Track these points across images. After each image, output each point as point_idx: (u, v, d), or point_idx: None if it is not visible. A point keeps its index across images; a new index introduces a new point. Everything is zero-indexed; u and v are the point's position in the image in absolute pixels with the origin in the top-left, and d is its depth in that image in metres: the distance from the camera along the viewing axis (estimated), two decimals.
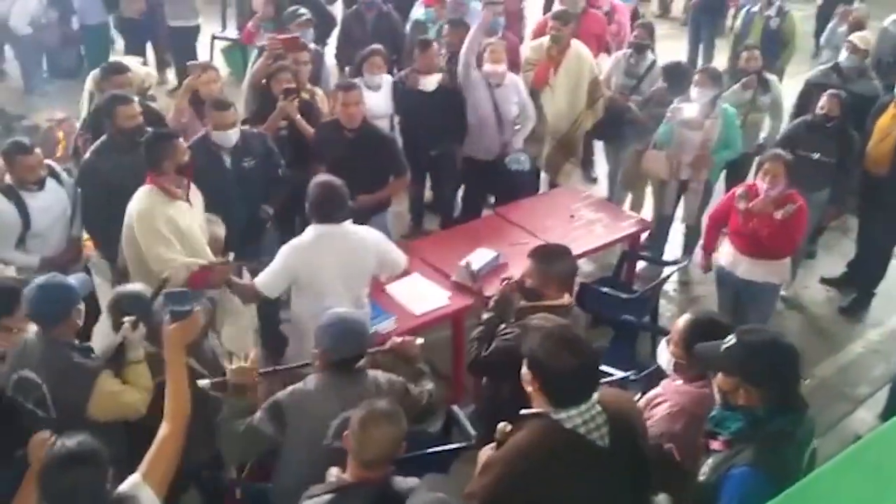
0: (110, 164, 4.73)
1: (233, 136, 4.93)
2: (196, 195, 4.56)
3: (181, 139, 4.50)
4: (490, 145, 6.34)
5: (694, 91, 6.05)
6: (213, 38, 9.82)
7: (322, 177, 4.31)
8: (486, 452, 2.89)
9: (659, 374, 3.63)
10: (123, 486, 2.67)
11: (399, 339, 3.67)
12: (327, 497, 2.74)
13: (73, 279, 3.48)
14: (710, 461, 2.77)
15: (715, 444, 2.79)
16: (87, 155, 4.92)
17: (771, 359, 2.70)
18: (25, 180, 4.57)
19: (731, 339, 2.77)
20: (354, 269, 4.23)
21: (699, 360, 2.93)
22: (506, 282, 3.80)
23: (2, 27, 9.09)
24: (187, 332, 3.02)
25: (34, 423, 3.15)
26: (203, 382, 3.29)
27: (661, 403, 3.23)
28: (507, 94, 6.30)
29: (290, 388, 3.30)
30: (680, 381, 3.22)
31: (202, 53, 9.36)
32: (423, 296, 5.00)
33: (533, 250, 3.73)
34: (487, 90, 6.24)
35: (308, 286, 4.14)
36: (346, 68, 7.61)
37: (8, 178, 4.63)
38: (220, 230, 4.68)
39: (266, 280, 4.14)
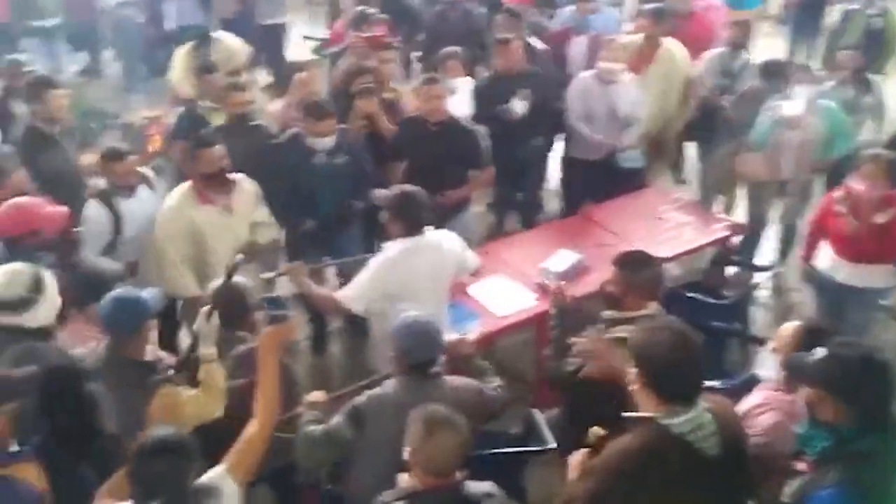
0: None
1: (328, 143, 4.96)
2: (241, 201, 4.65)
3: (213, 148, 4.57)
4: (599, 144, 6.23)
5: (794, 89, 5.80)
6: (305, 38, 9.93)
7: (400, 187, 4.26)
8: (577, 457, 2.80)
9: (748, 384, 3.50)
10: (208, 477, 2.72)
11: (451, 339, 3.62)
12: None
13: (146, 293, 3.48)
14: (795, 483, 2.64)
15: (801, 466, 2.66)
16: None
17: (861, 374, 2.55)
18: (118, 186, 4.64)
19: (822, 351, 2.63)
20: (440, 275, 4.18)
21: (789, 369, 2.79)
22: (556, 292, 3.73)
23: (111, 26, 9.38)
24: (283, 336, 3.10)
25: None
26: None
27: (764, 413, 3.07)
28: (621, 91, 6.19)
29: (368, 392, 3.29)
30: (781, 391, 3.09)
31: (292, 54, 9.49)
32: (506, 297, 4.92)
33: (617, 257, 3.62)
34: (600, 87, 6.15)
35: (398, 298, 4.04)
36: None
37: (102, 182, 4.70)
38: (270, 234, 4.80)
39: (352, 294, 4.09)
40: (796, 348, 2.96)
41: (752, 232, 6.42)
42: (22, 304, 3.31)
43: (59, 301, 3.47)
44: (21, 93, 5.56)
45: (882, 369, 2.59)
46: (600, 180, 6.29)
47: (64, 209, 4.18)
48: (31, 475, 2.76)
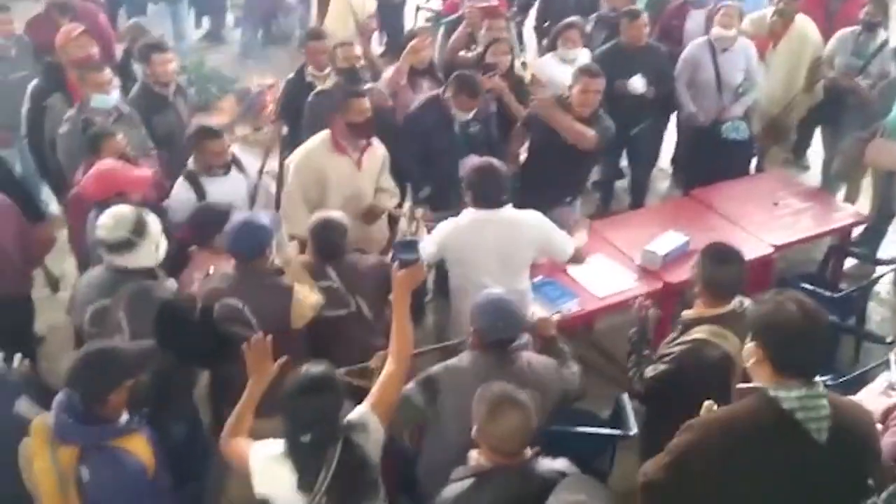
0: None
1: (469, 115, 5.01)
2: (372, 159, 4.69)
3: (364, 99, 4.60)
4: (707, 111, 6.08)
5: None
6: (418, 8, 9.93)
7: (481, 160, 4.22)
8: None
9: (860, 381, 3.29)
10: (354, 414, 2.83)
11: (535, 318, 3.57)
12: (468, 482, 2.69)
13: (265, 217, 3.72)
14: None
15: None
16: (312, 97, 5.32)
17: None
18: (212, 165, 4.60)
19: None
20: (510, 255, 4.09)
21: None
22: (641, 307, 3.59)
23: None
24: (414, 279, 3.12)
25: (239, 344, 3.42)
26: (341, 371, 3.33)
27: None
28: (734, 59, 6.02)
29: (444, 363, 3.27)
30: None
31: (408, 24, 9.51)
32: (606, 277, 4.79)
33: (704, 248, 3.45)
34: (710, 54, 6.01)
35: (459, 266, 4.09)
36: (544, 41, 7.42)
37: (191, 163, 4.66)
38: (392, 202, 4.88)
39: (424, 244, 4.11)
40: None
41: (877, 224, 6.09)
42: (126, 245, 3.51)
43: (163, 243, 3.66)
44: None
45: None
46: (705, 151, 6.15)
47: (148, 173, 4.32)
48: (140, 447, 2.87)
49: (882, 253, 6.06)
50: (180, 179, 4.59)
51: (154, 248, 3.61)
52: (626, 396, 3.86)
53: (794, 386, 2.42)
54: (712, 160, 6.08)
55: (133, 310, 3.41)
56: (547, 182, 5.04)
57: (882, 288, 5.90)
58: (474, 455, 2.80)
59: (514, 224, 4.09)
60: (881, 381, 3.29)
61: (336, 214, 3.96)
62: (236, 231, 3.61)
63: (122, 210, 3.60)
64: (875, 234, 6.13)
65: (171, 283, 3.76)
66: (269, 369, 2.98)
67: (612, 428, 3.85)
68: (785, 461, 2.41)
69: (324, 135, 4.75)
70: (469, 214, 4.08)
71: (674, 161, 7.12)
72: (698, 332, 3.25)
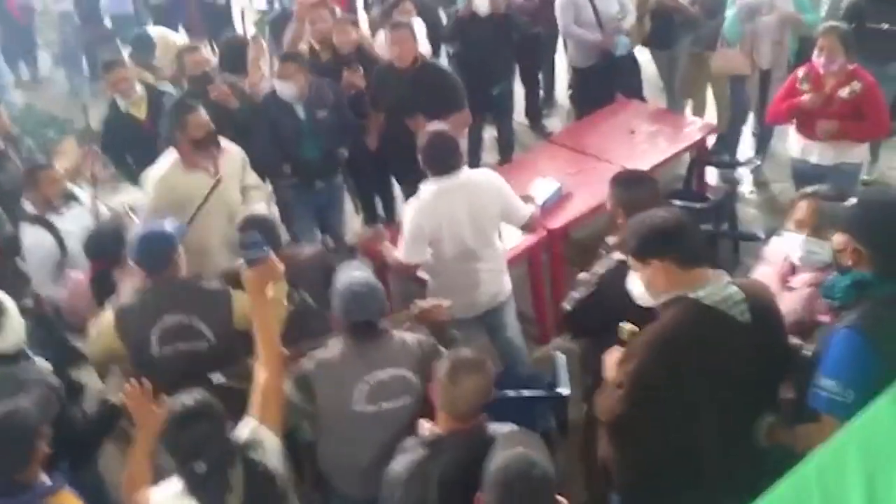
0: None
1: (294, 90, 4.97)
2: (230, 162, 4.56)
3: (198, 112, 4.42)
4: (595, 48, 6.30)
5: None
6: (243, 11, 9.71)
7: (430, 128, 4.19)
8: (612, 355, 2.86)
9: None
10: (245, 433, 2.75)
11: (425, 304, 3.54)
12: (422, 451, 2.71)
13: (168, 225, 3.59)
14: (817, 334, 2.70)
15: (823, 317, 2.67)
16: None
17: (884, 219, 2.53)
18: (51, 198, 4.41)
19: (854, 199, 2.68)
20: (480, 215, 4.09)
21: (821, 214, 2.83)
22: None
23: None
24: (265, 276, 3.02)
25: (197, 361, 3.41)
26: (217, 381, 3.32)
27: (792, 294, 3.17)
28: None
29: (313, 355, 3.18)
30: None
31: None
32: None
33: (613, 177, 3.54)
34: None
35: (442, 242, 4.04)
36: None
37: (29, 207, 4.45)
38: (261, 196, 4.75)
39: (406, 250, 4.07)
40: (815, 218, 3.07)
41: (732, 128, 6.43)
42: None
43: (21, 321, 3.38)
44: None
45: None
46: (602, 80, 6.40)
47: None
48: (72, 501, 2.78)
49: (739, 156, 6.40)
50: (25, 227, 4.41)
51: (19, 326, 3.34)
52: (558, 355, 3.95)
53: (704, 284, 2.61)
54: (609, 86, 6.39)
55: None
56: (412, 150, 5.11)
57: (745, 188, 6.23)
58: (426, 425, 2.81)
59: (477, 185, 4.09)
60: (770, 255, 3.51)
61: (260, 209, 3.91)
62: (137, 244, 3.51)
63: None
64: (732, 137, 6.47)
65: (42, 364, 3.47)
66: (154, 415, 2.85)
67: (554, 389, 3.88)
68: (725, 350, 2.60)
69: (170, 157, 4.51)
70: (431, 187, 4.03)
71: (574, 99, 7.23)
72: (620, 255, 3.28)
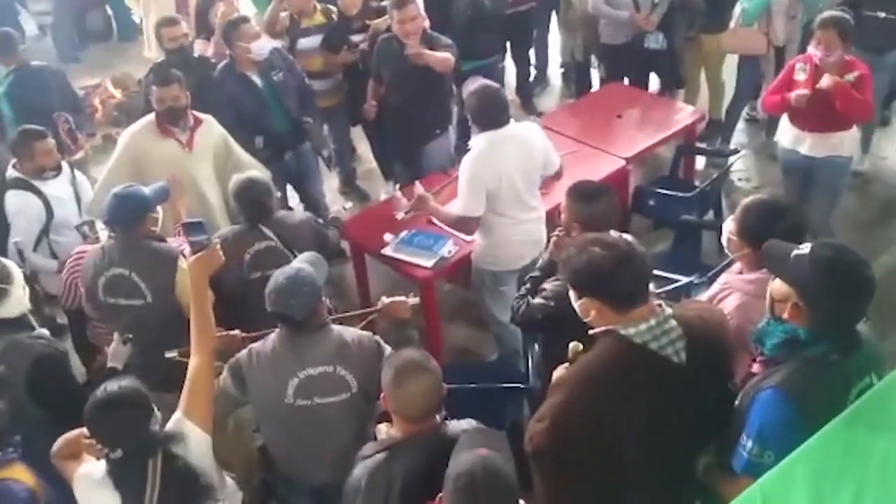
0: None
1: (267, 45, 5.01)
2: (206, 137, 4.53)
3: (170, 86, 4.40)
4: (627, 27, 6.20)
5: None
6: None
7: (477, 84, 4.22)
8: (558, 373, 2.71)
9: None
10: (170, 424, 2.73)
11: (388, 300, 3.48)
12: (380, 456, 2.62)
13: (151, 189, 3.73)
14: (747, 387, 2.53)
15: (754, 367, 2.56)
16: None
17: (831, 279, 2.32)
18: (44, 167, 4.45)
19: (805, 247, 2.42)
20: (529, 165, 4.16)
21: (765, 257, 2.63)
22: (555, 237, 3.53)
23: None
24: (208, 263, 2.95)
25: (133, 316, 3.58)
26: (170, 354, 3.29)
27: (727, 297, 3.00)
28: None
29: (249, 346, 3.14)
30: (743, 272, 3.03)
31: None
32: None
33: (569, 188, 3.45)
34: None
35: (496, 190, 4.06)
36: None
37: (14, 172, 4.47)
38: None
39: (465, 202, 4.09)
40: (743, 221, 2.93)
41: (734, 112, 6.36)
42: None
43: (26, 288, 3.45)
44: None
45: (861, 283, 2.35)
46: (631, 61, 6.33)
47: None
48: (22, 473, 2.79)
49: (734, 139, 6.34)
50: (11, 192, 4.41)
51: (23, 293, 3.39)
52: (536, 347, 3.88)
53: (640, 319, 2.44)
54: (637, 71, 6.31)
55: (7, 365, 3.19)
56: (411, 119, 5.16)
57: (734, 177, 6.14)
58: (384, 429, 2.76)
59: (525, 136, 4.17)
60: None
61: (255, 173, 3.99)
62: (109, 204, 3.62)
63: None
64: (730, 118, 6.38)
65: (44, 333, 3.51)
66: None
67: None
68: (655, 392, 2.44)
69: (150, 117, 4.54)
70: (483, 139, 4.06)
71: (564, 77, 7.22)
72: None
